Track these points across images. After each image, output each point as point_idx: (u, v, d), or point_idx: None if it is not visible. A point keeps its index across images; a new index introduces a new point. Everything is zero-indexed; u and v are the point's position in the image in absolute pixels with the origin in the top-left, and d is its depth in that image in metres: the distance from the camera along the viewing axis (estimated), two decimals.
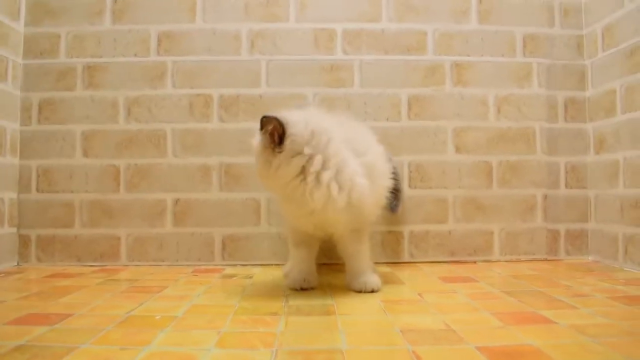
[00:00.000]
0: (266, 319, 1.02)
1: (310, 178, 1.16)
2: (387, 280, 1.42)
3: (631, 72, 1.57)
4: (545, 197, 1.77)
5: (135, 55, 1.75)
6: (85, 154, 1.73)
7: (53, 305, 1.14)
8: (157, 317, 1.03)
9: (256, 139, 1.25)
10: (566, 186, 1.79)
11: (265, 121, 1.16)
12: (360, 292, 1.26)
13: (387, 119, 1.74)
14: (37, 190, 1.72)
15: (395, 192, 1.50)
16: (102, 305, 1.15)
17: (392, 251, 1.73)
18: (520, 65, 1.78)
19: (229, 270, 1.62)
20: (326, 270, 1.55)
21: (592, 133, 1.78)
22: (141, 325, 0.97)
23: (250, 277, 1.49)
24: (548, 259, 1.76)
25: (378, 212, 1.38)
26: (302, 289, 1.29)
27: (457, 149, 1.75)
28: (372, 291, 1.26)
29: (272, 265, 1.70)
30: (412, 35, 1.77)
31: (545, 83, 1.79)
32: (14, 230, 1.71)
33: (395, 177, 1.48)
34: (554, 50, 1.80)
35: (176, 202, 1.72)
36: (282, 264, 1.65)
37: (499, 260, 1.75)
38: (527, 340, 0.86)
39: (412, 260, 1.73)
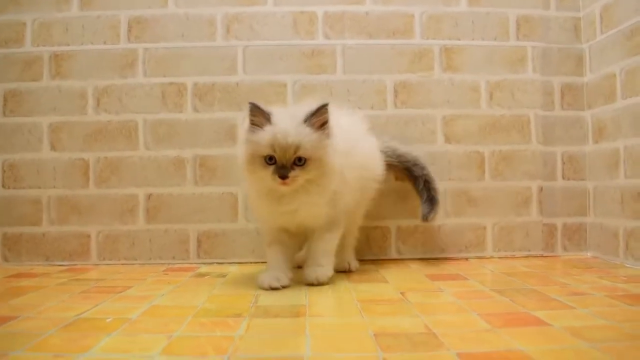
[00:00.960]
0: (228, 321, 0.92)
1: None
2: (369, 278, 1.33)
3: (632, 54, 1.47)
4: (541, 189, 1.67)
5: (105, 42, 1.65)
6: (53, 147, 1.64)
7: (1, 307, 1.05)
8: (108, 320, 0.94)
9: (244, 127, 1.19)
10: (563, 177, 1.69)
11: (253, 108, 1.15)
12: (312, 285, 1.23)
13: (372, 107, 1.64)
14: (3, 186, 1.63)
15: (430, 198, 1.50)
16: (54, 307, 1.05)
17: (378, 248, 1.63)
18: (514, 49, 1.68)
19: (203, 269, 1.52)
20: None
21: (590, 120, 1.68)
22: (87, 329, 0.88)
23: (224, 276, 1.40)
24: (544, 255, 1.67)
25: (367, 203, 1.43)
26: (272, 288, 1.19)
27: (447, 139, 1.65)
28: (320, 284, 1.23)
29: (250, 263, 1.60)
30: (398, 18, 1.67)
31: (540, 68, 1.69)
32: None
33: (429, 182, 1.50)
34: (550, 33, 1.70)
35: (149, 197, 1.62)
36: (261, 262, 1.57)
37: (492, 257, 1.65)
38: (516, 345, 0.76)
39: (399, 257, 1.63)
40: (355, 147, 1.31)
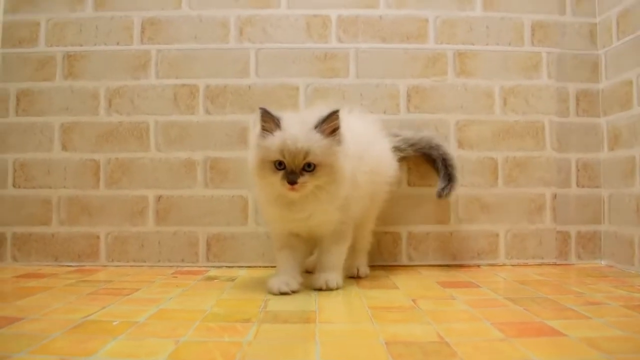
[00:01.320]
0: (237, 326, 0.91)
1: None
2: (379, 284, 1.31)
3: None
4: (555, 196, 1.65)
5: (118, 43, 1.65)
6: (64, 147, 1.63)
7: (7, 307, 1.05)
8: (115, 323, 0.93)
9: (255, 132, 1.19)
10: (577, 185, 1.66)
11: (264, 113, 1.15)
12: (320, 289, 1.22)
13: (385, 112, 1.62)
14: (14, 185, 1.63)
15: (447, 174, 1.51)
16: (61, 308, 1.04)
17: (388, 254, 1.61)
18: (529, 55, 1.66)
19: (212, 272, 1.51)
20: None
21: (605, 127, 1.65)
22: (94, 332, 0.87)
23: (233, 280, 1.38)
24: (557, 263, 1.64)
25: (380, 205, 1.43)
26: (281, 293, 1.18)
27: (460, 144, 1.63)
28: (330, 289, 1.22)
29: (259, 267, 1.59)
30: (412, 22, 1.65)
31: (555, 74, 1.66)
32: None
33: (446, 160, 1.52)
34: (565, 39, 1.67)
35: (159, 199, 1.62)
36: (271, 266, 1.55)
37: (504, 264, 1.63)
38: (531, 355, 0.74)
39: (410, 264, 1.61)
40: (367, 151, 1.29)
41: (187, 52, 1.64)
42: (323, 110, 1.16)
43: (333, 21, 1.64)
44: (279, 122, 1.14)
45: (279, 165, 1.13)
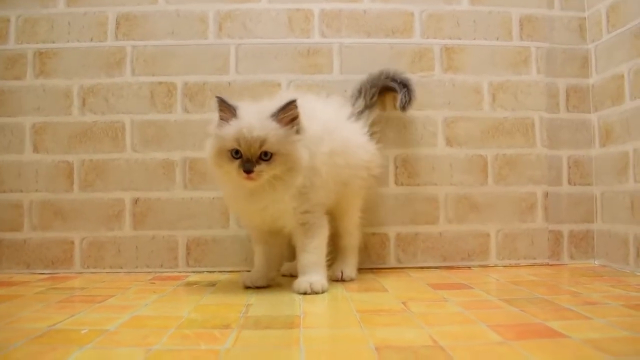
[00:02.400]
0: (214, 333, 0.84)
1: None
2: (367, 287, 1.25)
3: None
4: (546, 194, 1.60)
5: (92, 40, 1.58)
6: (36, 149, 1.56)
7: None
8: (83, 331, 0.86)
9: (214, 123, 1.19)
10: (569, 182, 1.62)
11: (220, 102, 1.16)
12: (305, 294, 1.16)
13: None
14: None
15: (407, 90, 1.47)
16: (27, 317, 0.97)
17: (376, 255, 1.55)
18: (517, 50, 1.62)
19: (192, 278, 1.44)
20: None
21: (597, 123, 1.61)
22: (58, 341, 0.80)
23: (214, 285, 1.31)
24: (550, 263, 1.59)
25: (359, 196, 1.38)
26: (246, 287, 1.24)
27: (448, 142, 1.58)
28: (316, 293, 1.17)
29: (242, 271, 1.51)
30: (398, 16, 1.60)
31: (544, 69, 1.62)
32: None
33: (407, 81, 1.48)
34: (554, 34, 1.64)
35: (135, 201, 1.54)
36: None
37: (496, 265, 1.58)
38: (533, 359, 0.68)
39: (399, 266, 1.56)
40: (330, 133, 1.25)
41: (164, 49, 1.57)
42: (282, 100, 1.15)
43: (316, 15, 1.59)
44: (235, 111, 1.14)
45: (235, 154, 1.13)
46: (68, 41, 1.58)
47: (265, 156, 1.12)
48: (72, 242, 1.54)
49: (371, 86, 1.49)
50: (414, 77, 1.52)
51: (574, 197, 1.61)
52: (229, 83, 1.57)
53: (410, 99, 1.47)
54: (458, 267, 1.56)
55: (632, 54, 1.45)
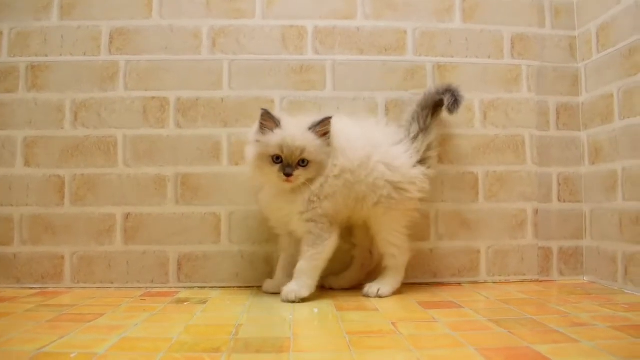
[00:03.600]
0: (205, 357, 0.84)
1: None
2: (358, 306, 1.25)
3: (629, 74, 1.43)
4: (537, 211, 1.61)
5: (85, 54, 1.58)
6: (27, 163, 1.55)
7: None
8: (73, 355, 0.85)
9: (254, 129, 1.33)
10: (559, 200, 1.63)
11: (265, 114, 1.29)
12: (286, 301, 1.28)
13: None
14: None
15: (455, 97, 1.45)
16: (16, 338, 0.97)
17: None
18: (508, 68, 1.64)
19: (183, 294, 1.44)
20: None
21: (586, 141, 1.63)
22: None
23: (204, 302, 1.31)
24: (540, 279, 1.60)
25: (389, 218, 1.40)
26: (272, 294, 1.39)
27: (439, 159, 1.58)
28: (291, 302, 1.28)
29: (233, 287, 1.52)
30: (391, 34, 1.61)
31: (535, 87, 1.64)
32: None
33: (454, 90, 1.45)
34: (545, 52, 1.65)
35: (127, 216, 1.54)
36: (245, 286, 1.53)
37: (486, 282, 1.58)
38: None
39: None
40: (345, 152, 1.33)
41: (158, 63, 1.57)
42: (318, 116, 1.32)
43: (309, 32, 1.60)
44: (279, 122, 1.29)
45: (277, 159, 1.28)
46: (61, 55, 1.58)
47: (303, 163, 1.28)
48: (63, 257, 1.53)
49: (422, 109, 1.47)
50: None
51: (564, 214, 1.63)
52: (222, 99, 1.57)
53: (456, 100, 1.44)
54: (449, 284, 1.56)
55: (621, 74, 1.46)
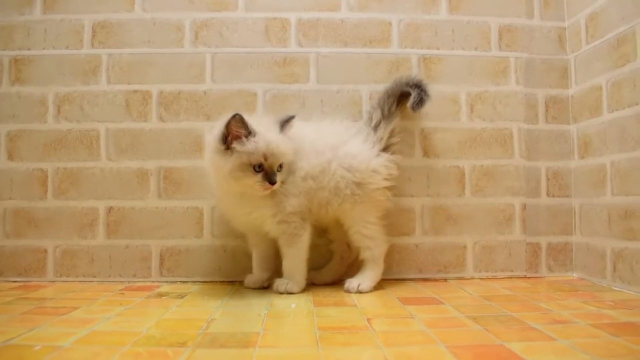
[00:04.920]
0: (168, 352, 0.83)
1: None
2: (337, 302, 1.24)
3: (618, 65, 1.40)
4: (524, 206, 1.59)
5: (67, 47, 1.57)
6: (10, 156, 1.54)
7: None
8: (37, 348, 0.84)
9: (215, 135, 1.26)
10: (547, 194, 1.60)
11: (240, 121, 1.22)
12: (280, 293, 1.32)
13: (347, 119, 1.55)
14: None
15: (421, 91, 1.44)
16: None
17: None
18: (496, 60, 1.61)
19: (164, 288, 1.42)
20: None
21: (576, 135, 1.60)
22: (9, 359, 0.78)
23: (183, 297, 1.30)
24: (528, 276, 1.58)
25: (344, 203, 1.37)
26: (254, 289, 1.40)
27: (425, 152, 1.57)
28: (280, 293, 1.32)
29: (215, 282, 1.51)
30: (375, 26, 1.59)
31: (523, 80, 1.61)
32: None
33: (421, 82, 1.45)
34: (534, 44, 1.62)
35: (109, 210, 1.53)
36: (227, 281, 1.52)
37: (472, 278, 1.56)
38: None
39: None
40: (309, 155, 1.33)
41: (140, 57, 1.56)
42: (281, 116, 1.32)
43: (292, 24, 1.58)
44: (253, 130, 1.22)
45: (258, 167, 1.23)
46: (44, 48, 1.57)
47: (280, 167, 1.26)
48: (45, 251, 1.53)
49: (388, 96, 1.45)
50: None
51: (553, 209, 1.60)
52: (205, 92, 1.55)
53: (422, 99, 1.43)
54: (434, 280, 1.54)
55: (609, 65, 1.43)
